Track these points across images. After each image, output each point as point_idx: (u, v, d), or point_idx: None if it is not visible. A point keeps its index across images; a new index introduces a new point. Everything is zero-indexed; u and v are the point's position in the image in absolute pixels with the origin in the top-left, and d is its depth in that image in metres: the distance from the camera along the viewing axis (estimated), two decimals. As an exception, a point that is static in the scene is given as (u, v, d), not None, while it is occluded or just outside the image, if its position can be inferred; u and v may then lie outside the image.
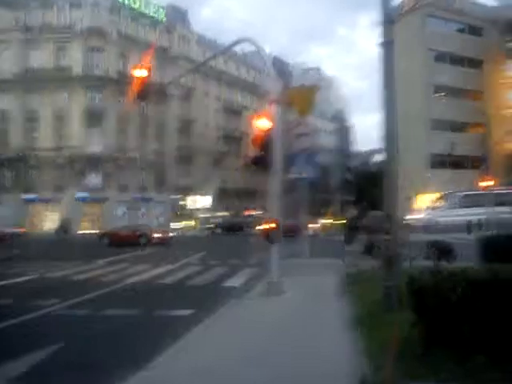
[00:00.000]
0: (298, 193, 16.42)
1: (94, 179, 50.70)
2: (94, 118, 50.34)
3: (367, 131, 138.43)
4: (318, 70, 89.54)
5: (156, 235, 31.45)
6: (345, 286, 10.82)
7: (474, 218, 31.61)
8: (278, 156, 9.91)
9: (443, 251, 12.92)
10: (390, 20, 7.72)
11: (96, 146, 49.62)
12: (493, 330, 4.65)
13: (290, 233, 22.19)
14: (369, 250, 14.93)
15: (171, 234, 34.21)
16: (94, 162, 49.99)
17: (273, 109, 10.08)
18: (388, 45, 7.81)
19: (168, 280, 14.32)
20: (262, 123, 9.88)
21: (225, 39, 64.90)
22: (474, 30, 56.64)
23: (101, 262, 19.85)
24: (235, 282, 13.39)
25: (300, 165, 12.86)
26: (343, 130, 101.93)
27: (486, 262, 10.98)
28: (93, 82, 50.99)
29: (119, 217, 49.57)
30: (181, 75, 33.38)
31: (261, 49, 10.62)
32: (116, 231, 32.86)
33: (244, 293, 11.01)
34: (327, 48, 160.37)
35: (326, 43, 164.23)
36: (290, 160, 13.05)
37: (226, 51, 24.21)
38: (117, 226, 37.32)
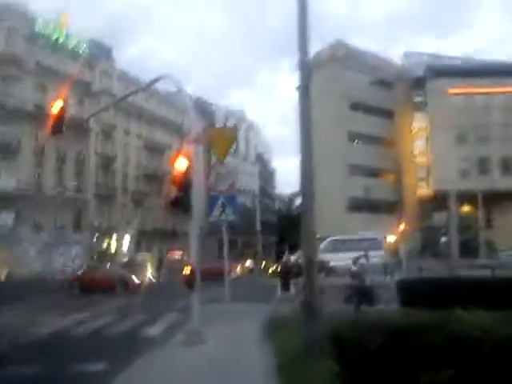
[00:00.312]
0: (220, 235, 16.09)
1: (4, 218, 47.39)
2: (6, 151, 47.50)
3: (289, 175, 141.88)
4: (240, 112, 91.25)
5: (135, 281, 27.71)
6: (267, 333, 10.54)
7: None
8: (197, 197, 9.64)
9: (364, 295, 13.12)
10: (306, 65, 7.83)
11: (8, 182, 46.70)
12: (413, 378, 4.55)
13: (213, 276, 21.75)
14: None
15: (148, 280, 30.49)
16: (5, 200, 46.86)
17: (192, 148, 9.88)
18: (303, 89, 7.90)
19: (79, 330, 13.26)
20: (180, 163, 9.60)
21: (149, 77, 64.51)
22: (385, 84, 60.67)
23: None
24: (155, 330, 12.70)
25: (220, 207, 12.62)
26: (266, 173, 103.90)
27: (405, 304, 11.24)
28: (6, 113, 48.31)
29: (33, 258, 46.40)
30: (99, 110, 32.42)
31: (180, 86, 10.49)
32: (89, 275, 28.87)
33: (163, 343, 10.44)
34: (250, 92, 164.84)
35: (249, 87, 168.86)
36: (210, 201, 12.82)
37: (147, 88, 23.91)
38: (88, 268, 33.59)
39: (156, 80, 12.05)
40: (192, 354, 9.30)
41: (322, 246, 42.34)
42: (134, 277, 28.41)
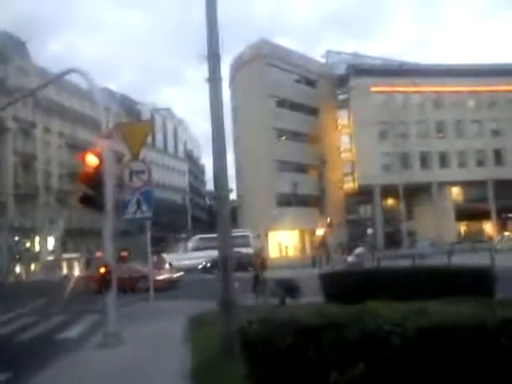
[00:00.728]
0: (144, 233, 15.57)
1: None
2: None
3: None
4: (168, 110, 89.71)
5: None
6: (190, 331, 10.24)
7: (207, 260, 33.64)
8: (109, 194, 9.11)
9: (289, 289, 13.09)
10: (215, 56, 7.53)
11: None
12: (326, 378, 4.39)
13: (136, 275, 21.12)
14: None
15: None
16: None
17: (104, 144, 9.31)
18: (214, 81, 7.60)
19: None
20: (90, 159, 9.03)
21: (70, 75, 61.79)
22: (310, 82, 61.79)
23: None
24: (73, 332, 12.16)
25: (135, 203, 12.07)
26: (195, 170, 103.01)
27: (328, 297, 11.27)
28: None
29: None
30: (9, 103, 30.44)
31: (90, 79, 9.84)
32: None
33: (80, 345, 9.98)
34: (179, 89, 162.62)
35: (178, 84, 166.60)
36: (125, 199, 12.25)
37: (55, 81, 22.89)
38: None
39: (65, 73, 11.51)
40: (107, 357, 8.89)
41: (190, 244, 42.94)
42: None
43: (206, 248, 34.60)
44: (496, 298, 9.33)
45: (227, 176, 7.73)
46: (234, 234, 34.99)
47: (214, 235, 7.61)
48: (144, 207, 11.91)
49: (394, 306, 5.13)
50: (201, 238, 41.45)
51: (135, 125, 10.79)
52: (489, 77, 57.49)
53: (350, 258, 18.99)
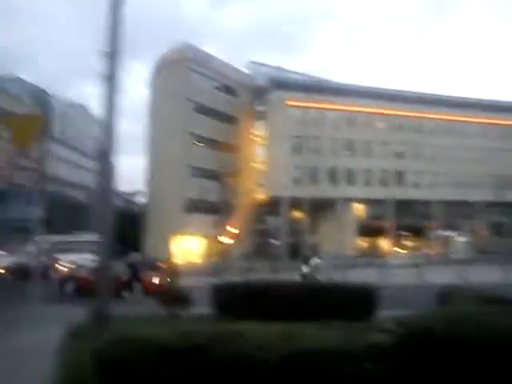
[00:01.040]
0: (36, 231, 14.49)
1: None
2: None
3: (133, 173, 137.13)
4: (82, 106, 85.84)
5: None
6: (66, 342, 9.52)
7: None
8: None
9: (177, 299, 12.69)
10: (113, 54, 7.17)
11: None
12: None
13: (22, 275, 19.68)
14: None
15: None
16: None
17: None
18: (110, 79, 7.24)
19: None
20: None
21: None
22: (230, 90, 62.01)
23: None
24: None
25: (18, 203, 11.18)
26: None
27: (219, 309, 11.07)
28: None
29: None
30: None
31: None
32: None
33: None
34: (98, 86, 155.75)
35: (97, 82, 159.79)
36: (5, 196, 11.31)
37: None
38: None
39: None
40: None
41: (46, 246, 39.95)
42: None
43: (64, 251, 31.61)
44: (377, 317, 9.66)
45: (110, 185, 7.34)
46: (82, 239, 32.55)
47: (71, 238, 7.07)
48: (30, 208, 11.03)
49: (266, 328, 5.02)
50: (55, 242, 36.52)
51: (24, 117, 9.91)
52: (398, 102, 61.15)
53: (304, 269, 18.61)
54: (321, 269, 19.09)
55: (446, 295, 9.47)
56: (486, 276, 22.07)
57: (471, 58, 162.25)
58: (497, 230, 63.24)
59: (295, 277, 20.10)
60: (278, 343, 4.42)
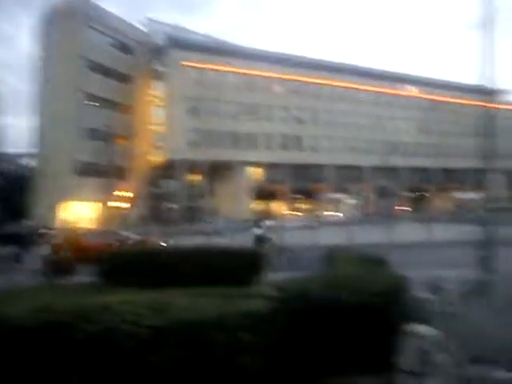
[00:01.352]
0: None
1: None
2: None
3: (24, 134, 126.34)
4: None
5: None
6: None
7: None
8: None
9: (59, 268, 12.05)
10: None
11: None
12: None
13: None
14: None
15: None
16: None
17: None
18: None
19: None
20: None
21: None
22: (126, 48, 58.90)
23: None
24: None
25: None
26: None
27: (103, 276, 10.62)
28: None
29: None
30: None
31: None
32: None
33: None
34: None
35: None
36: None
37: None
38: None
39: None
40: None
41: None
42: None
43: None
44: (265, 281, 9.78)
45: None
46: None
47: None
48: None
49: (141, 298, 4.76)
50: None
51: None
52: (297, 67, 61.93)
53: (257, 231, 17.98)
54: (272, 230, 18.90)
55: (332, 257, 9.78)
56: (371, 237, 23.51)
57: (370, 27, 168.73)
58: (381, 193, 67.40)
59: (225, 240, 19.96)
60: (149, 315, 4.19)
